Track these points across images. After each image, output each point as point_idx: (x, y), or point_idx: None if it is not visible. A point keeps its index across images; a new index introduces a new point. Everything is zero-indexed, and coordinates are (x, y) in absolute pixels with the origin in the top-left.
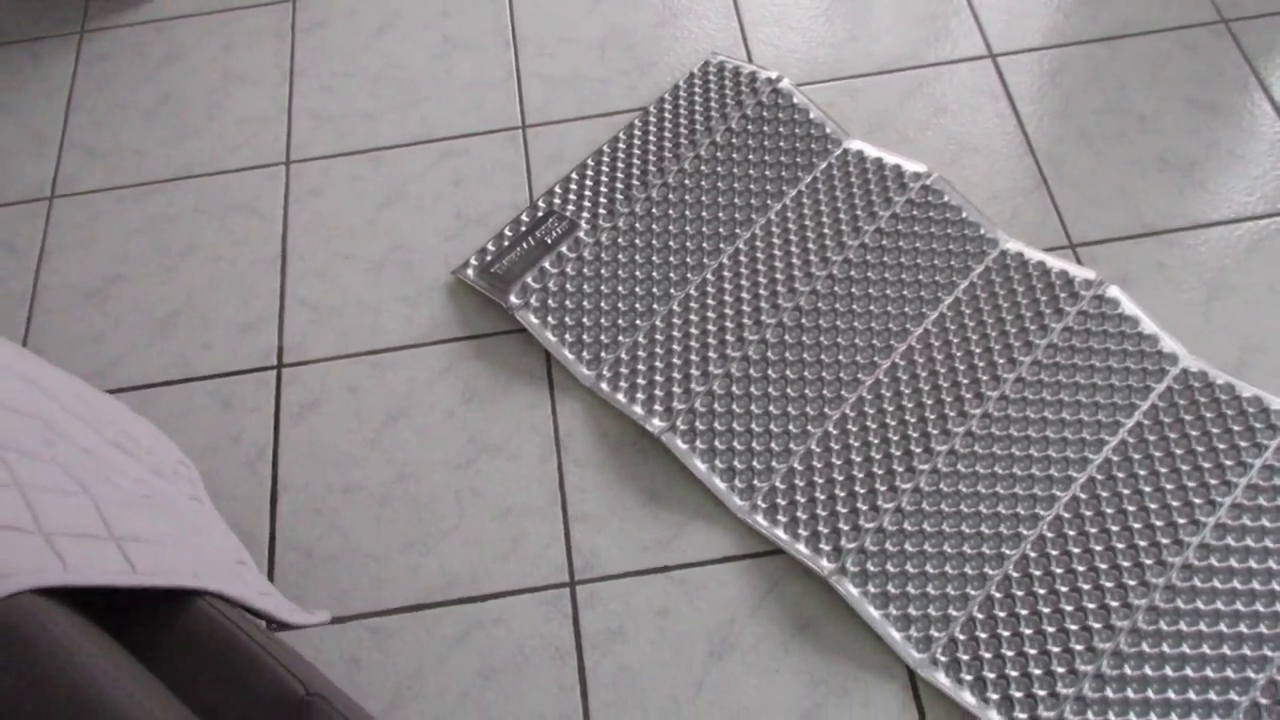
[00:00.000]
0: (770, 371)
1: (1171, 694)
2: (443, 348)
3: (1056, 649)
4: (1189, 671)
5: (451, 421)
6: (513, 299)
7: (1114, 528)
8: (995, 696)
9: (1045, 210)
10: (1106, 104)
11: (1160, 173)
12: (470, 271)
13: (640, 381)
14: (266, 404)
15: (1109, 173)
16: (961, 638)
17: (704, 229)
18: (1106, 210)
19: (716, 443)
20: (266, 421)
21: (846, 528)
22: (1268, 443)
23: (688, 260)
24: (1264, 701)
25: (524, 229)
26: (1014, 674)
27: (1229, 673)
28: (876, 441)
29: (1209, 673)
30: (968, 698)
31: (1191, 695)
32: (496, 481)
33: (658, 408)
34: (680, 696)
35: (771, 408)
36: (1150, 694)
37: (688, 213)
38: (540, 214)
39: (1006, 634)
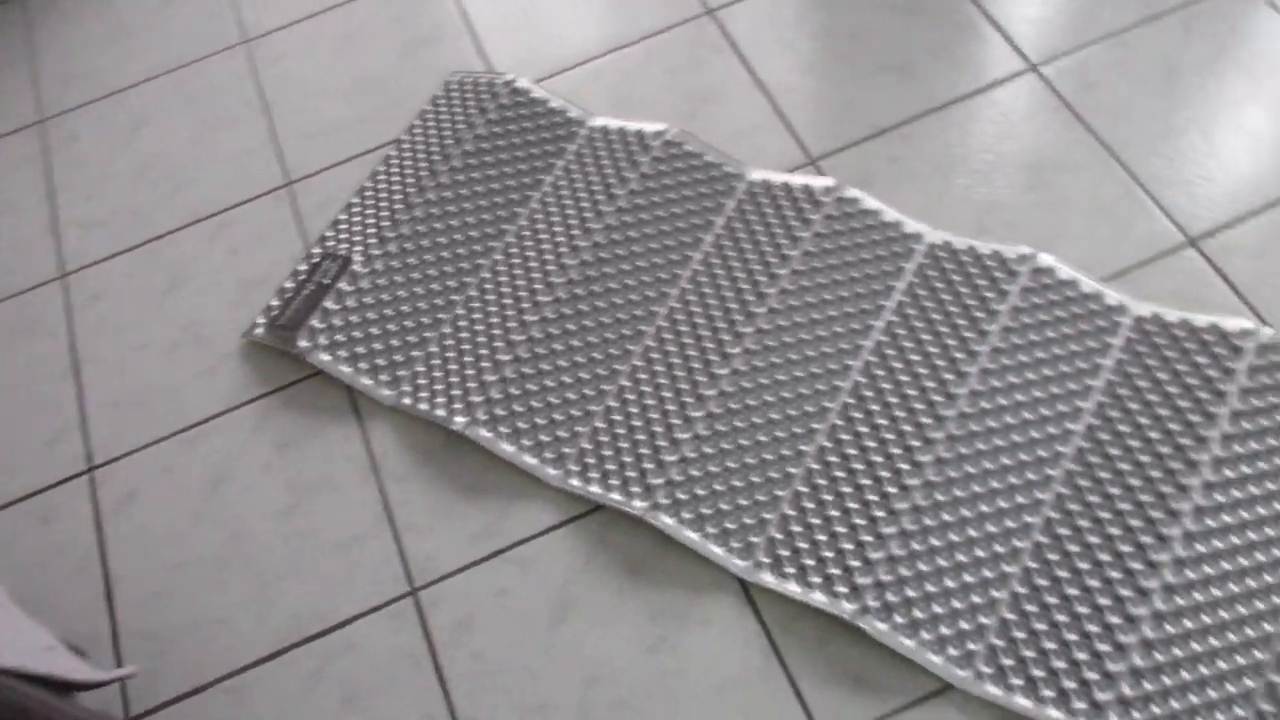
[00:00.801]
0: (556, 345)
1: (972, 531)
2: (249, 408)
3: (862, 521)
4: (983, 508)
5: (270, 473)
6: (301, 344)
7: (892, 399)
8: (817, 579)
9: (784, 137)
10: (820, 29)
11: (879, 77)
12: (259, 330)
13: (438, 388)
14: (84, 508)
15: (834, 90)
16: (779, 536)
17: (471, 233)
18: (838, 123)
19: (519, 424)
20: (87, 525)
21: (651, 466)
22: (1009, 288)
23: (462, 266)
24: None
25: (303, 278)
26: (829, 554)
27: (1018, 499)
28: (666, 382)
29: (1001, 504)
30: (794, 588)
31: (979, 552)
32: (323, 517)
33: (457, 406)
34: (534, 665)
35: (564, 378)
36: (953, 537)
37: (453, 222)
38: (316, 260)
39: (817, 521)
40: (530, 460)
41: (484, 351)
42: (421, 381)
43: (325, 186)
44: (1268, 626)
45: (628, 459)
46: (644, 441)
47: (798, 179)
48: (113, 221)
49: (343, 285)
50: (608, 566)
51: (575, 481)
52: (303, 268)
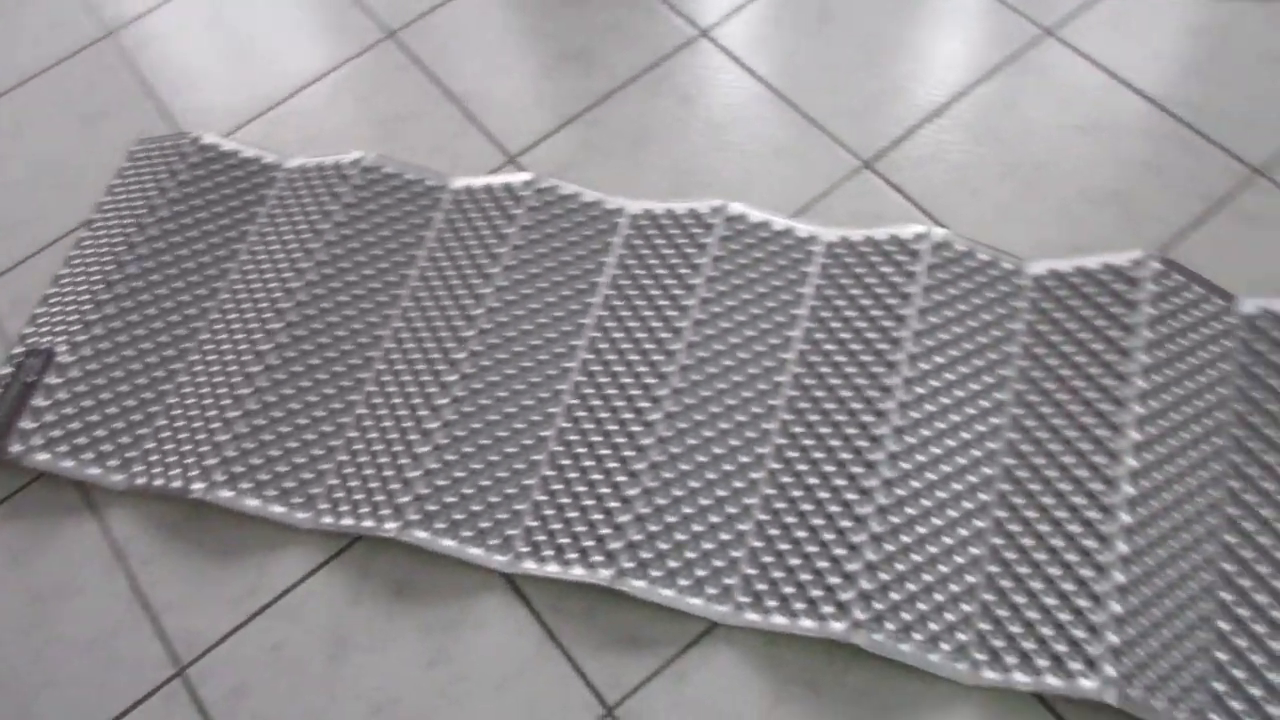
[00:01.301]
0: (285, 390)
1: (710, 474)
2: None
3: (607, 490)
4: (716, 449)
5: (5, 591)
6: (13, 450)
7: (619, 369)
8: (574, 555)
9: (480, 141)
10: (500, 32)
11: (563, 68)
12: None
13: (170, 459)
14: None
15: (522, 87)
16: (533, 524)
17: (181, 298)
18: (529, 118)
19: (260, 476)
20: None
21: (398, 486)
22: (707, 240)
23: (178, 333)
24: (777, 466)
25: (5, 384)
26: (582, 529)
27: (748, 433)
28: (400, 400)
29: (732, 442)
30: (554, 569)
31: (720, 492)
32: (73, 620)
33: (193, 473)
34: (317, 708)
35: (299, 420)
36: (693, 483)
37: (160, 291)
38: (18, 360)
39: (567, 500)
40: (278, 509)
41: (212, 413)
42: (154, 458)
43: (17, 283)
44: (982, 496)
45: (374, 485)
46: (387, 464)
47: (498, 179)
48: None
49: (50, 379)
50: (375, 594)
51: (327, 519)
52: (4, 371)
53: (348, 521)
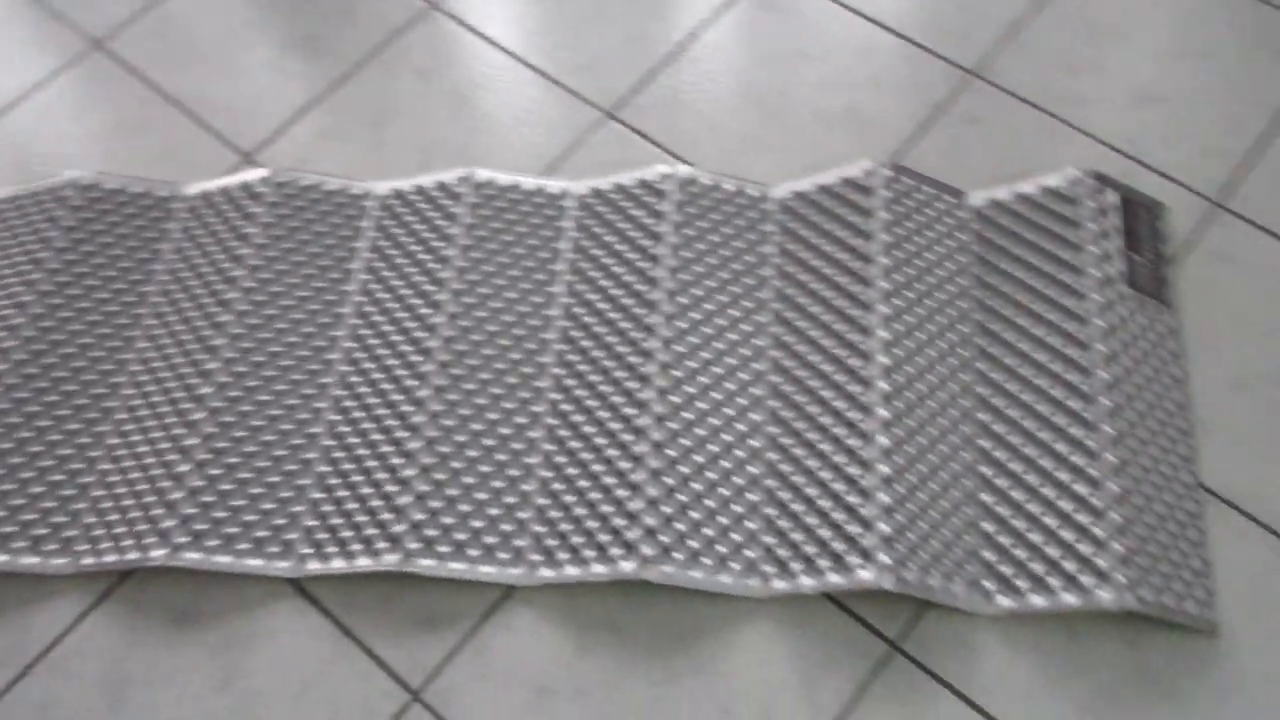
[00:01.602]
0: (21, 434)
1: (487, 440)
2: None
3: (384, 475)
4: (490, 415)
5: None
6: None
7: (383, 352)
8: (359, 546)
9: (211, 144)
10: (217, 31)
11: (288, 57)
12: None
13: None
14: None
15: (247, 82)
16: (314, 523)
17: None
18: (259, 114)
19: (3, 528)
20: None
21: (160, 511)
22: (458, 210)
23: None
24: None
25: None
26: (363, 519)
27: (519, 419)
28: (153, 423)
29: (503, 431)
30: (339, 564)
31: (500, 456)
32: None
33: None
34: None
35: (41, 462)
36: (471, 453)
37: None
38: None
39: (345, 494)
40: (30, 560)
41: None
42: None
43: None
44: (754, 416)
45: (135, 514)
46: (147, 490)
47: (234, 180)
48: None
49: None
50: (153, 627)
51: (88, 560)
52: None
53: (110, 558)
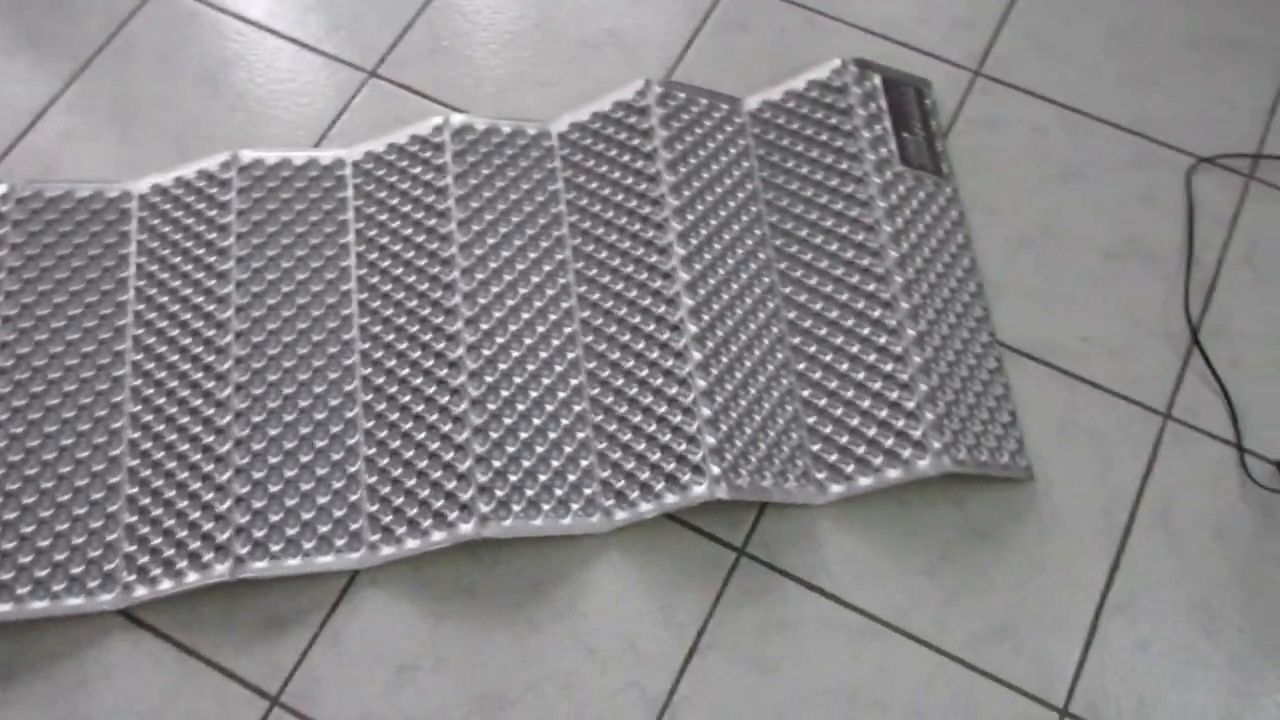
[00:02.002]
0: None
1: (303, 429)
2: None
3: (198, 484)
4: (301, 402)
5: None
6: None
7: (174, 357)
8: (183, 562)
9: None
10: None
11: (12, 62)
12: None
13: None
14: None
15: None
16: (131, 548)
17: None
18: None
19: None
20: None
21: None
22: (227, 198)
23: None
24: (369, 397)
25: None
26: (183, 533)
27: (331, 401)
28: None
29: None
30: (168, 585)
31: (319, 443)
32: None
33: None
34: None
35: None
36: (287, 444)
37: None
38: None
39: (159, 511)
40: None
41: None
42: None
43: None
44: (569, 354)
45: None
46: None
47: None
48: None
49: None
50: None
51: None
52: None
53: None
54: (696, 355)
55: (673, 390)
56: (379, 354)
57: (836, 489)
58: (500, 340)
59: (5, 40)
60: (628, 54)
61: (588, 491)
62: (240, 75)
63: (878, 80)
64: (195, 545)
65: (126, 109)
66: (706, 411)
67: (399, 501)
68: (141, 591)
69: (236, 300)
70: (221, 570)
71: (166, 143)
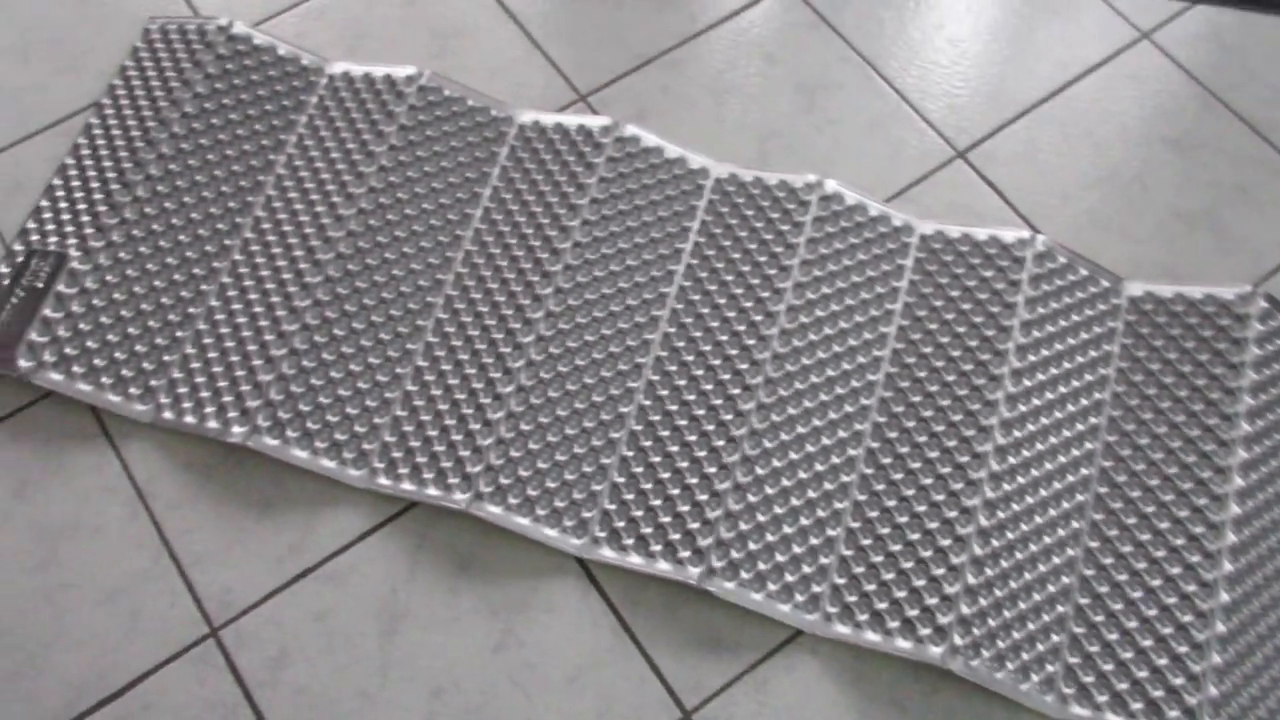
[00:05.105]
0: (336, 330)
1: (802, 473)
2: None
3: (694, 480)
4: (809, 448)
5: (10, 524)
6: (21, 364)
7: (706, 347)
8: (658, 547)
9: (546, 71)
10: None
11: (634, 2)
12: None
13: (204, 394)
14: None
15: (590, 14)
16: (611, 507)
17: (212, 209)
18: (601, 53)
19: (309, 424)
20: None
21: (466, 453)
22: (803, 218)
23: (207, 248)
24: (868, 470)
25: (6, 282)
26: (667, 519)
27: (840, 434)
28: (467, 357)
29: (825, 440)
30: (635, 559)
31: (811, 493)
32: (87, 565)
33: (232, 414)
34: (369, 688)
35: (352, 365)
36: (785, 482)
37: (187, 199)
38: (20, 259)
39: (649, 485)
40: (328, 463)
41: (252, 347)
42: (181, 390)
43: (11, 167)
44: (1075, 524)
45: (439, 448)
46: (454, 426)
47: (571, 119)
48: None
49: (62, 288)
50: (436, 566)
51: (384, 480)
52: (4, 269)
53: (408, 486)
54: (1225, 597)
55: (1187, 618)
56: (894, 433)
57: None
58: (1021, 480)
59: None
60: (1220, 243)
61: (1050, 669)
62: (837, 101)
63: None
64: (675, 536)
65: (721, 89)
66: (1218, 659)
67: (871, 588)
68: (608, 553)
69: (782, 321)
70: (693, 574)
71: (748, 136)
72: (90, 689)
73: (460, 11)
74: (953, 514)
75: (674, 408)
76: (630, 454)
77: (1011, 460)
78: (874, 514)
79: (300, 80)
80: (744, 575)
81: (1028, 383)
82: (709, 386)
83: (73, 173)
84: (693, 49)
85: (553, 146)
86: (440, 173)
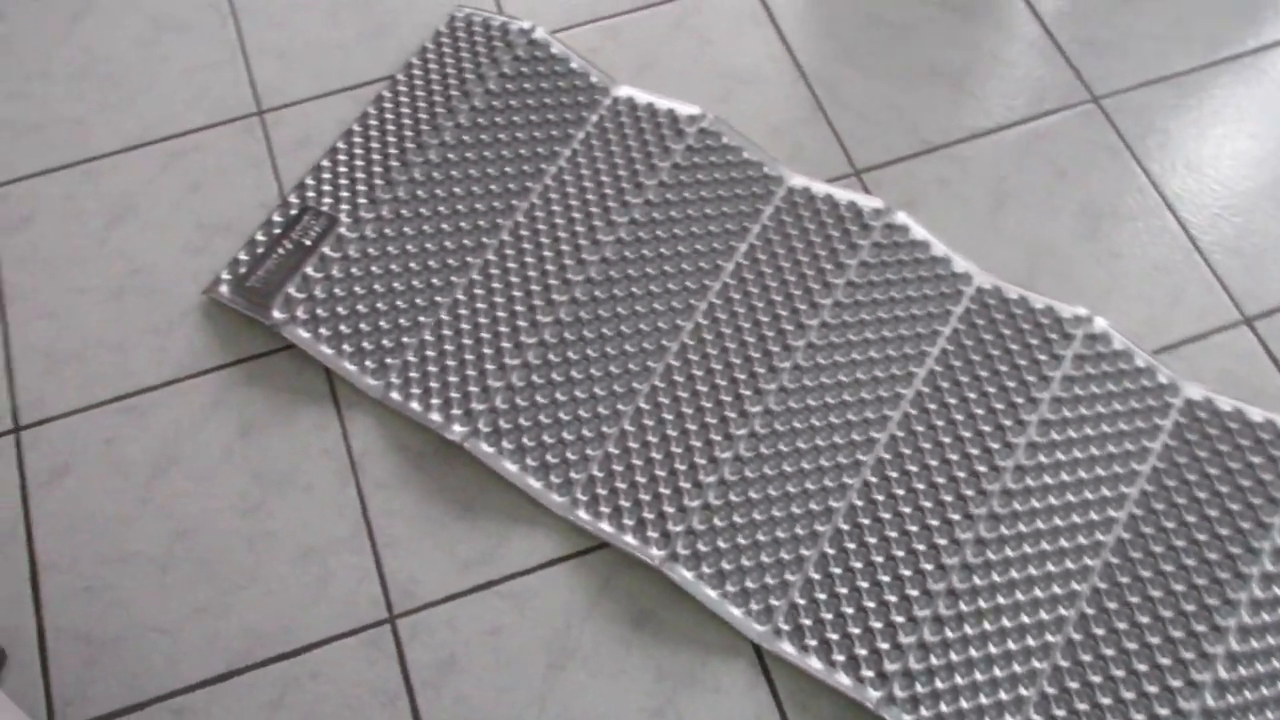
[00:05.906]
0: (570, 353)
1: (1006, 622)
2: (207, 379)
3: (894, 598)
4: (1019, 596)
5: (230, 461)
6: (276, 314)
7: (933, 462)
8: (841, 658)
9: (825, 138)
10: (867, 18)
11: (931, 84)
12: (224, 289)
13: (433, 385)
14: (8, 475)
15: (881, 90)
16: (801, 602)
17: (477, 205)
18: (884, 130)
19: (524, 439)
20: (12, 495)
21: (671, 509)
22: (1063, 352)
23: (465, 242)
24: (1104, 585)
25: (278, 231)
26: (856, 631)
27: (1055, 589)
28: (690, 411)
29: (1038, 593)
30: (814, 663)
31: (1024, 619)
32: (291, 519)
33: (456, 411)
34: (525, 717)
35: (577, 392)
36: (987, 626)
37: (457, 190)
38: (294, 212)
39: (844, 590)
40: (534, 483)
41: (488, 351)
42: (413, 375)
43: (303, 121)
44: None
45: (644, 496)
46: (664, 479)
47: (843, 193)
48: (47, 129)
49: (327, 250)
50: (614, 614)
51: (583, 513)
52: (278, 219)
53: (606, 526)
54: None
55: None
56: (1126, 577)
57: None
58: (1260, 668)
59: (946, 64)
60: None
61: None
62: (1125, 234)
63: None
64: (861, 652)
65: (1002, 194)
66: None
67: None
68: (788, 648)
69: (1020, 457)
70: (870, 696)
71: (1020, 249)
72: (270, 641)
73: (754, 60)
74: (1190, 653)
75: (886, 516)
76: (831, 552)
77: (1257, 643)
78: (1087, 657)
79: (586, 96)
80: (924, 713)
81: (1278, 590)
82: (929, 504)
83: (357, 140)
84: (980, 145)
85: (819, 217)
86: (703, 219)
